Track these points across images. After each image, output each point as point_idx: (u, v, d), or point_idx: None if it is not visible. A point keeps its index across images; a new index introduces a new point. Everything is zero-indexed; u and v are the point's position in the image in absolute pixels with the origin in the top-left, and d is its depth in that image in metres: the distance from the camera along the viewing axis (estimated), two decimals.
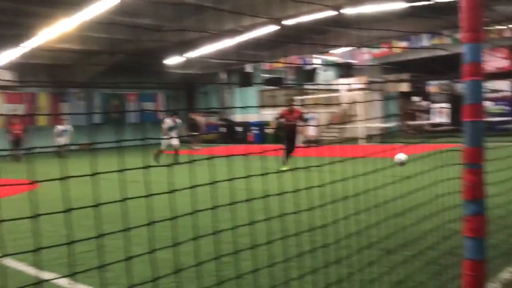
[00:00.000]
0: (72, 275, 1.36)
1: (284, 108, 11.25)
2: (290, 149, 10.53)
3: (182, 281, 3.85)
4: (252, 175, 1.82)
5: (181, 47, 19.77)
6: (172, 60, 23.70)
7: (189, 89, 31.61)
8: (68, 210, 1.30)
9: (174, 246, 1.56)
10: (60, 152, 16.70)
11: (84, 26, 14.38)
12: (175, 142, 13.37)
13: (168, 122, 13.74)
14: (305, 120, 12.15)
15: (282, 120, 11.07)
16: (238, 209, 1.86)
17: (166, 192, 1.57)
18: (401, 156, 7.44)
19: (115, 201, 1.53)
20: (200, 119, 20.95)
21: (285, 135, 10.71)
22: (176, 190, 1.56)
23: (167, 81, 26.87)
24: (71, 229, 1.35)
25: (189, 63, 24.84)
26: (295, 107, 11.74)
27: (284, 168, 9.24)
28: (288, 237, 1.86)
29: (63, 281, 3.85)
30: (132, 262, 1.52)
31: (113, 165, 1.67)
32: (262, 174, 1.86)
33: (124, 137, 15.09)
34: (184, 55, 20.94)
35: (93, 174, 1.44)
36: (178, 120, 14.03)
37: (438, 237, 2.68)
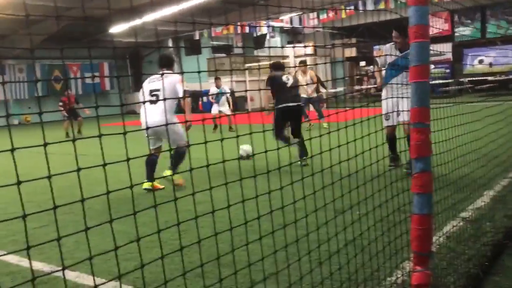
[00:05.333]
0: (23, 250, 1.32)
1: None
2: None
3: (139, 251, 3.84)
4: (203, 142, 1.81)
5: (125, 14, 19.06)
6: (117, 28, 22.81)
7: (135, 58, 30.69)
8: (19, 183, 1.25)
9: (131, 215, 1.53)
10: None
11: None
12: None
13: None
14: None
15: None
16: (195, 177, 1.85)
17: (116, 162, 1.54)
18: (246, 148, 7.39)
19: (63, 173, 1.47)
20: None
21: None
22: (121, 161, 1.53)
23: (111, 50, 25.94)
24: (21, 205, 1.30)
25: (134, 30, 24.01)
26: None
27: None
28: (245, 200, 1.88)
29: (13, 258, 3.75)
30: (86, 235, 1.49)
31: (58, 139, 1.61)
32: (216, 140, 1.85)
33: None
34: (129, 22, 20.20)
35: (43, 145, 1.38)
36: None
37: (386, 196, 2.79)
